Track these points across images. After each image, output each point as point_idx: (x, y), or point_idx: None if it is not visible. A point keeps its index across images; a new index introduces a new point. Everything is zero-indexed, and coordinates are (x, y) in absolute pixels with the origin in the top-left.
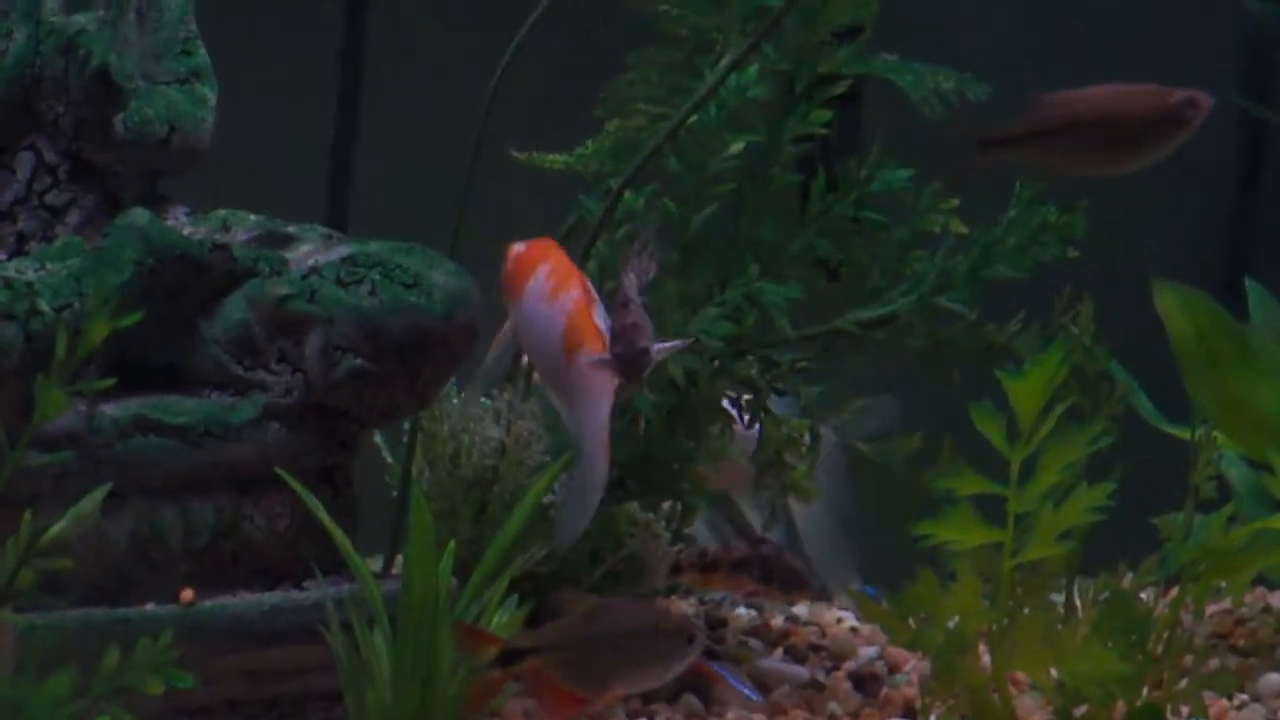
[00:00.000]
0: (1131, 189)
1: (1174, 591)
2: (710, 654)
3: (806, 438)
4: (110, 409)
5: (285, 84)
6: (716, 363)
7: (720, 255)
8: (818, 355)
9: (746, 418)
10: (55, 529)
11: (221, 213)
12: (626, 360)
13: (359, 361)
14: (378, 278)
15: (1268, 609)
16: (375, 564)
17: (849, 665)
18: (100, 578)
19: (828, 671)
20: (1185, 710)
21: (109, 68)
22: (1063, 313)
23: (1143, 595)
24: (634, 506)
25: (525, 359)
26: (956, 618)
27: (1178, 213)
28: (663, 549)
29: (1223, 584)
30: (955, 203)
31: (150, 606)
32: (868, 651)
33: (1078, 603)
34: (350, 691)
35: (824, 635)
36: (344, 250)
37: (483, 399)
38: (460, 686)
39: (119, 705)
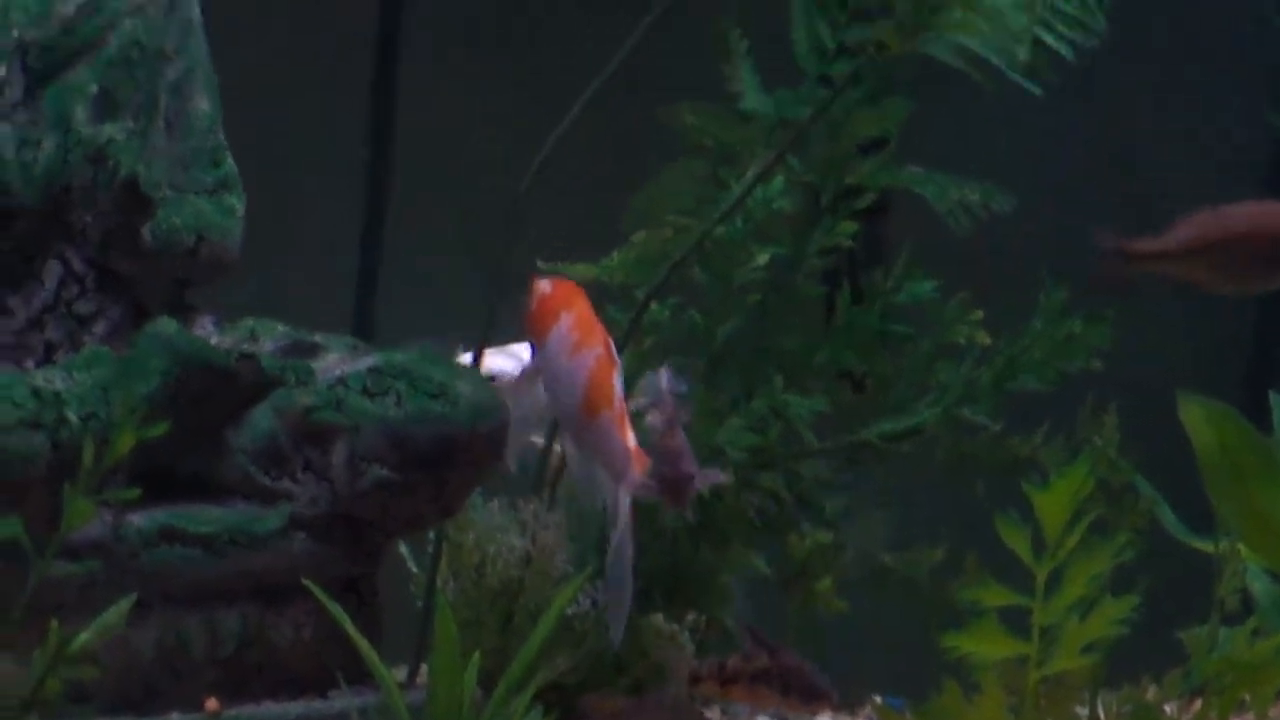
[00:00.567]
0: (1155, 300)
1: (1198, 705)
2: None
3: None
4: (136, 518)
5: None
6: (741, 475)
7: (745, 366)
8: (842, 467)
9: None
10: (81, 638)
11: (249, 322)
12: (673, 484)
13: (385, 472)
14: (404, 388)
15: None
16: (400, 674)
17: None
18: (126, 687)
19: None
20: None
21: (137, 177)
22: (1087, 425)
23: (1167, 708)
24: (659, 617)
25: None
26: None
27: (1202, 325)
28: (687, 659)
29: (1247, 697)
30: (980, 314)
31: (175, 716)
32: None
33: (1102, 716)
34: None
35: None
36: (370, 360)
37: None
38: None
39: None
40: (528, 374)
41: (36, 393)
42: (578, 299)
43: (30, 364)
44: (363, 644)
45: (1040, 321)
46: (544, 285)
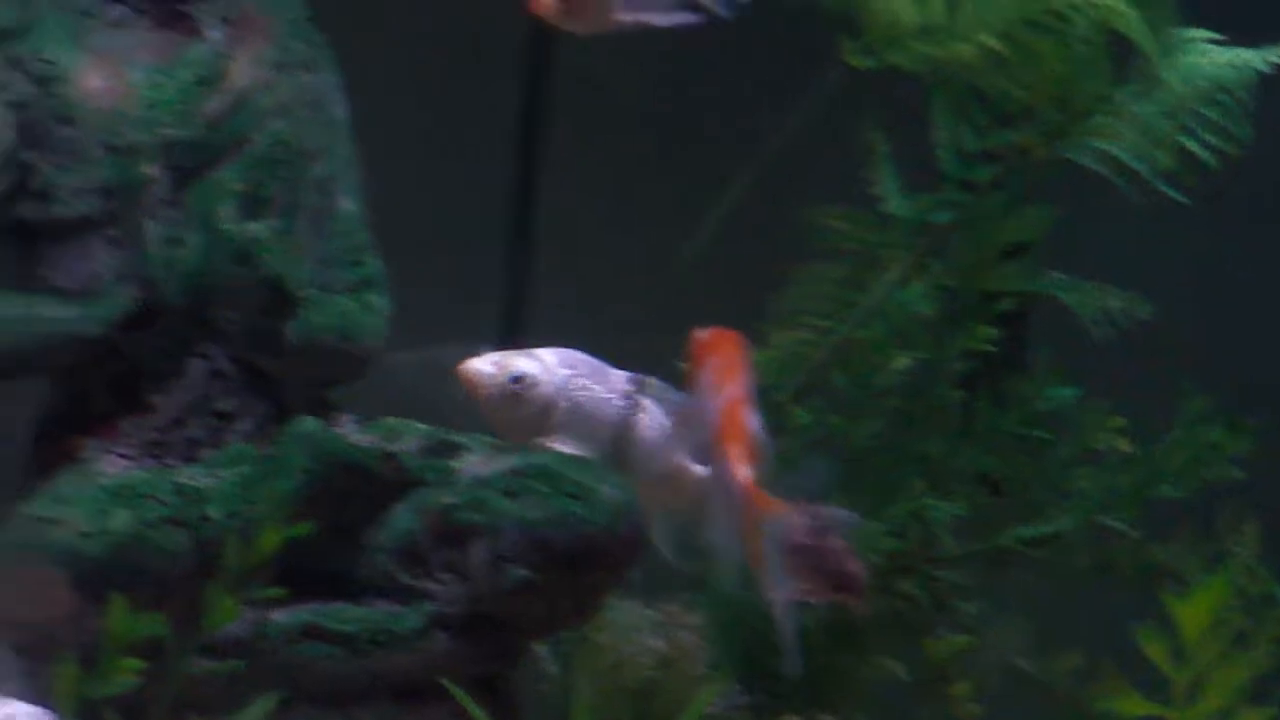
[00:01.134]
0: None
1: None
2: None
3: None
4: (279, 616)
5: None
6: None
7: (884, 470)
8: (980, 572)
9: None
10: None
11: (390, 421)
12: (843, 581)
13: (525, 572)
14: (544, 489)
15: None
16: None
17: None
18: None
19: None
20: None
21: (282, 276)
22: (1227, 532)
23: None
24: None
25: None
26: None
27: None
28: None
29: None
30: (1120, 421)
31: None
32: None
33: None
34: None
35: None
36: (511, 460)
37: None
38: None
39: None
40: (681, 418)
41: (179, 490)
42: (727, 344)
43: (173, 461)
44: None
45: (1180, 429)
46: (701, 333)
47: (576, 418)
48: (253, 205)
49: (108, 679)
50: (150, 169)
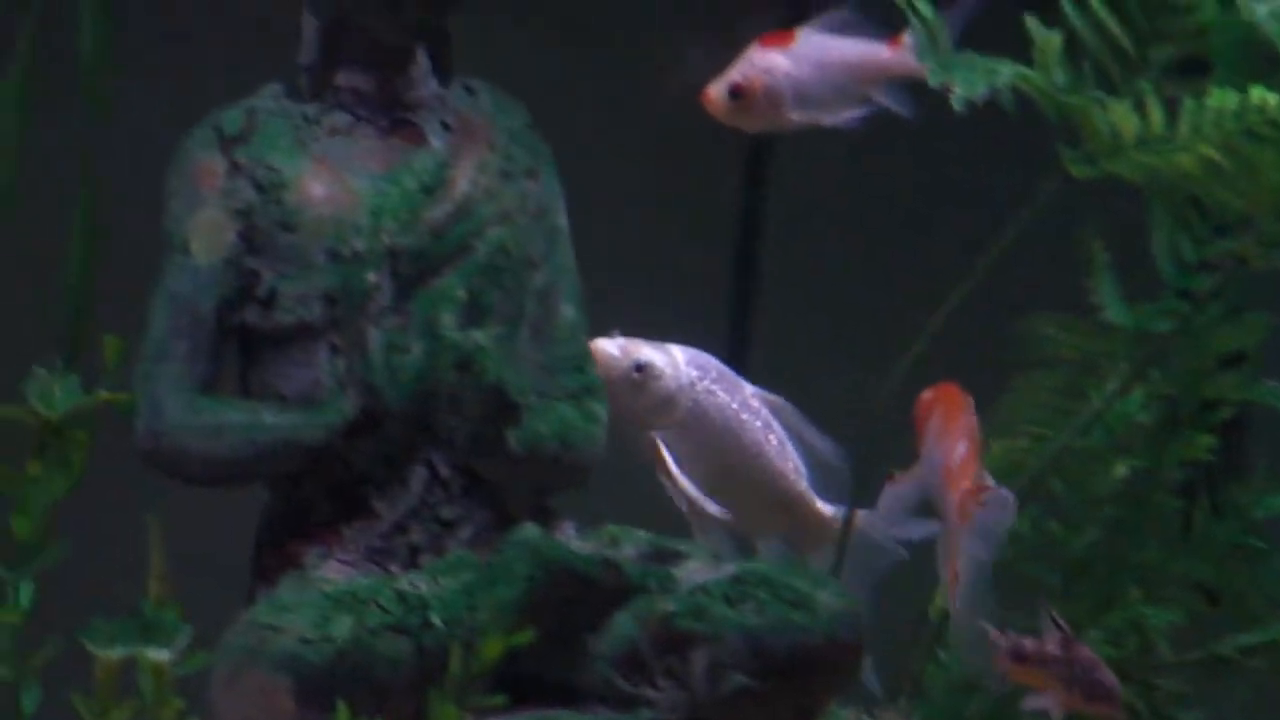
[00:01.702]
0: None
1: None
2: None
3: None
4: None
5: None
6: None
7: (1102, 578)
8: (1198, 681)
9: None
10: None
11: (611, 528)
12: (1097, 691)
13: (745, 679)
14: (764, 596)
15: None
16: None
17: None
18: None
19: None
20: None
21: (505, 384)
22: None
23: None
24: None
25: None
26: None
27: None
28: None
29: None
30: None
31: None
32: None
33: None
34: None
35: None
36: (731, 569)
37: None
38: None
39: None
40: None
41: (401, 597)
42: (950, 397)
43: (395, 568)
44: None
45: None
46: (927, 394)
47: (697, 420)
48: (475, 313)
49: None
50: (374, 276)
